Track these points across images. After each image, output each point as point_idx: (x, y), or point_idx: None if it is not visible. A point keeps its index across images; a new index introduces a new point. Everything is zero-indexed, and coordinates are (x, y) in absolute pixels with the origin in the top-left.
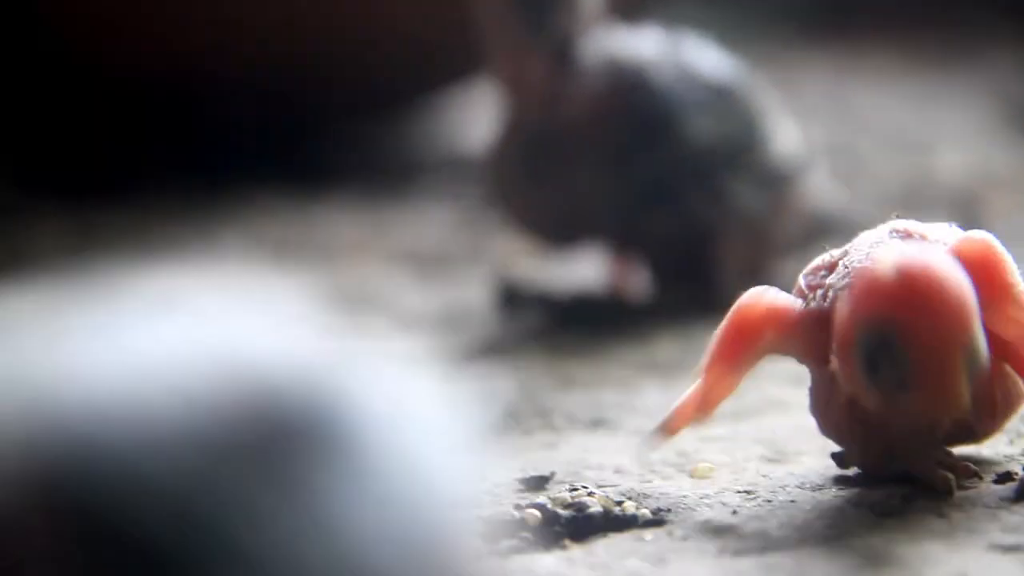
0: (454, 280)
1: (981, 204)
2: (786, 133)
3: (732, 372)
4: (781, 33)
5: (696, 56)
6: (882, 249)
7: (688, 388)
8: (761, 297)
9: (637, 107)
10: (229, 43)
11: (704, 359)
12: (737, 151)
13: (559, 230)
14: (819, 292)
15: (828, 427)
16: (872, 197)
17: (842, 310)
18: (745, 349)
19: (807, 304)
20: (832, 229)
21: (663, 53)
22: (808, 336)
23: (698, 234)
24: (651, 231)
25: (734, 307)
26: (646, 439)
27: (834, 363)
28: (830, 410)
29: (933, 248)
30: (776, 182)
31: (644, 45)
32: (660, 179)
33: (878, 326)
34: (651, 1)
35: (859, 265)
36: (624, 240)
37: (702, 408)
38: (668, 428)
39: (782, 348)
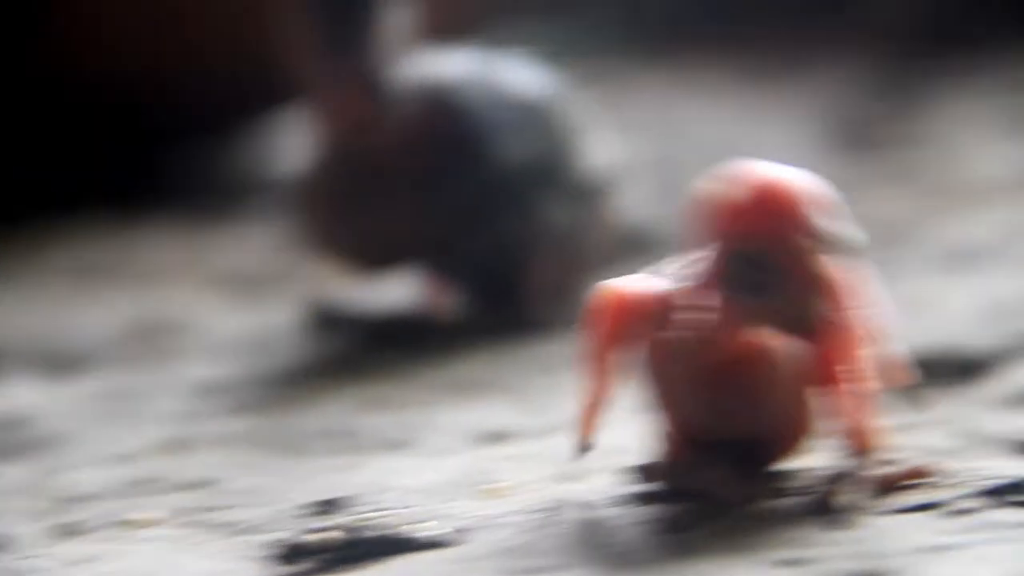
0: (269, 303)
1: None
2: (601, 148)
3: (606, 364)
4: (618, 49)
5: (507, 75)
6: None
7: (578, 398)
8: (614, 287)
9: (446, 131)
10: (49, 62)
11: (581, 363)
12: (548, 169)
13: (374, 256)
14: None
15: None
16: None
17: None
18: (611, 338)
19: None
20: (645, 243)
21: (473, 74)
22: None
23: (509, 253)
24: (463, 252)
25: (589, 305)
26: (573, 456)
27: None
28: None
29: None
30: (586, 198)
31: (453, 67)
32: (471, 201)
33: (741, 244)
34: (480, 19)
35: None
36: (439, 262)
37: (598, 406)
38: (584, 440)
39: (645, 332)
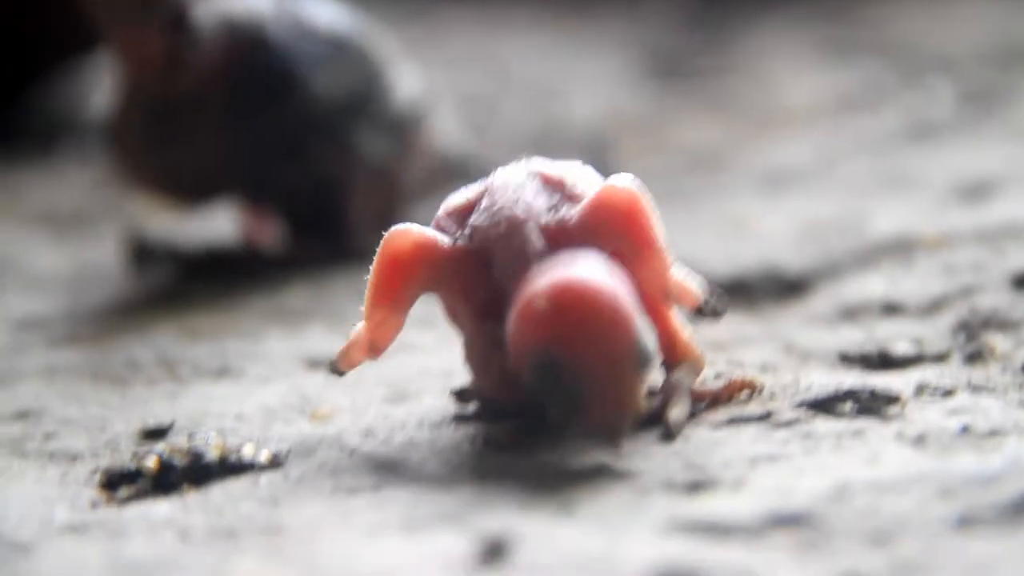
0: (89, 240)
1: (612, 147)
2: (408, 81)
3: (394, 311)
4: None
5: (313, 11)
6: (537, 275)
7: (355, 328)
8: (407, 234)
9: (255, 65)
10: None
11: (365, 302)
12: (358, 102)
13: (188, 191)
14: (463, 231)
15: (475, 367)
16: (507, 142)
17: (512, 333)
18: (401, 287)
19: (454, 242)
20: (460, 172)
21: (279, 11)
22: (459, 274)
23: (327, 185)
24: (280, 185)
25: (382, 246)
26: (333, 362)
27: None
28: (475, 351)
29: (584, 262)
30: (399, 129)
31: (259, 3)
32: (283, 134)
33: (544, 356)
34: None
35: (522, 282)
36: (256, 194)
37: (372, 349)
38: (339, 366)
39: (433, 285)
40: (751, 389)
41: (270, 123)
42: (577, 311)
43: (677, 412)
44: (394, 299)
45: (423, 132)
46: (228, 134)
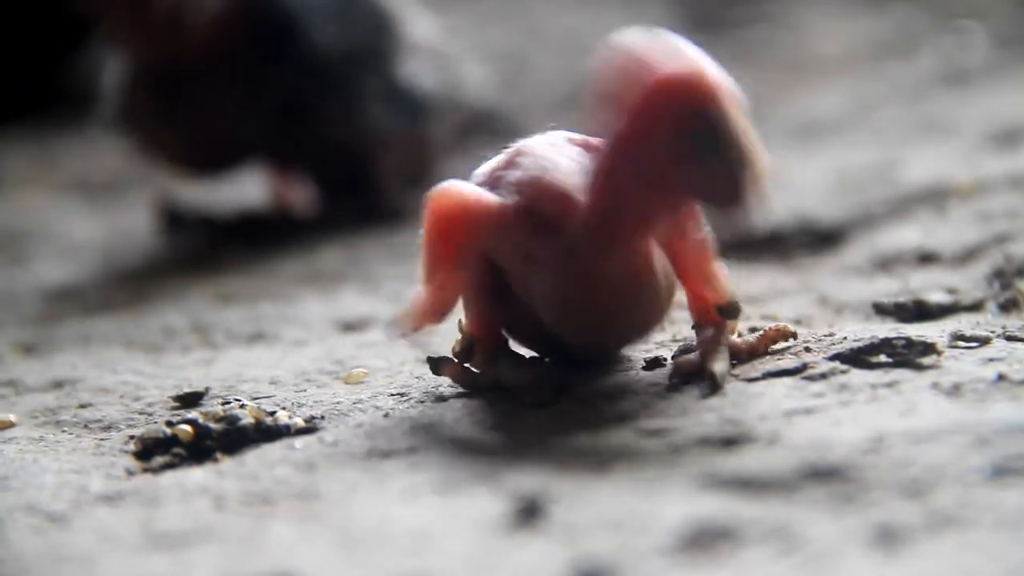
0: (122, 207)
1: None
2: (424, 30)
3: (454, 271)
4: None
5: None
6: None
7: (416, 294)
8: (454, 195)
9: (259, 20)
10: None
11: (422, 266)
12: (370, 56)
13: (207, 161)
14: (504, 189)
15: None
16: (539, 98)
17: (653, 120)
18: (458, 246)
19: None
20: (487, 125)
21: None
22: (512, 229)
23: (351, 145)
24: (300, 147)
25: (429, 208)
26: (392, 329)
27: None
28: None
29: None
30: (419, 88)
31: None
32: (291, 92)
33: (701, 119)
34: None
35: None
36: (280, 157)
37: (435, 314)
38: (400, 333)
39: (488, 241)
40: (786, 337)
41: (278, 80)
42: (712, 81)
43: (720, 365)
44: (453, 259)
45: (451, 92)
46: (237, 95)
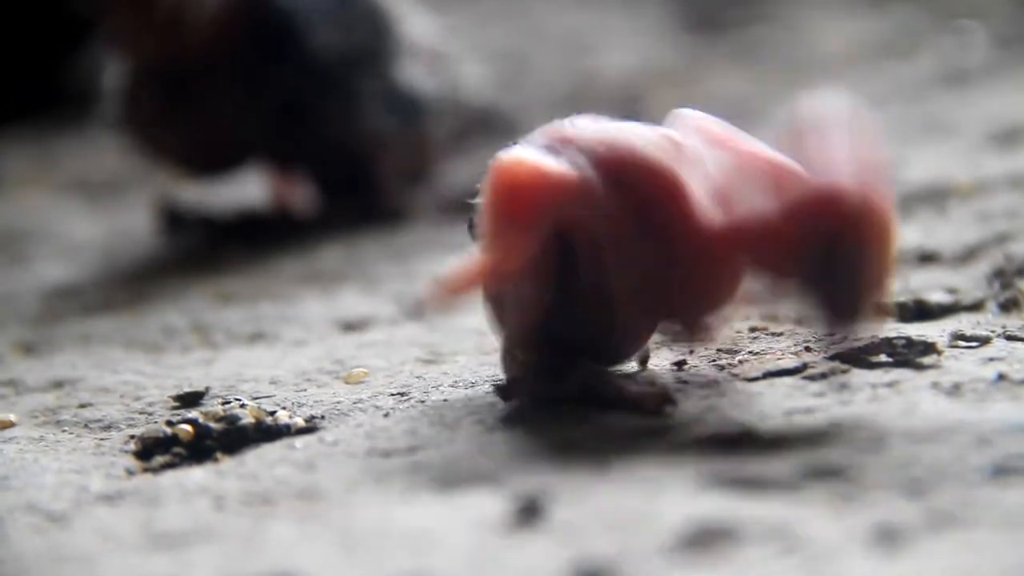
0: (122, 207)
1: (644, 101)
2: (422, 30)
3: (523, 237)
4: None
5: None
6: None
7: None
8: (526, 159)
9: (259, 20)
10: None
11: (484, 230)
12: (369, 57)
13: (208, 160)
14: (570, 154)
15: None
16: (540, 98)
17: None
18: (530, 212)
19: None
20: (487, 124)
21: None
22: (596, 201)
23: (350, 145)
24: (302, 147)
25: (496, 175)
26: (424, 295)
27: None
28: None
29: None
30: (420, 87)
31: None
32: (294, 92)
33: (831, 242)
34: None
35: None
36: (280, 158)
37: (495, 275)
38: (449, 289)
39: (565, 212)
40: None
41: (277, 81)
42: (861, 206)
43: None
44: (525, 224)
45: (450, 91)
46: (238, 96)
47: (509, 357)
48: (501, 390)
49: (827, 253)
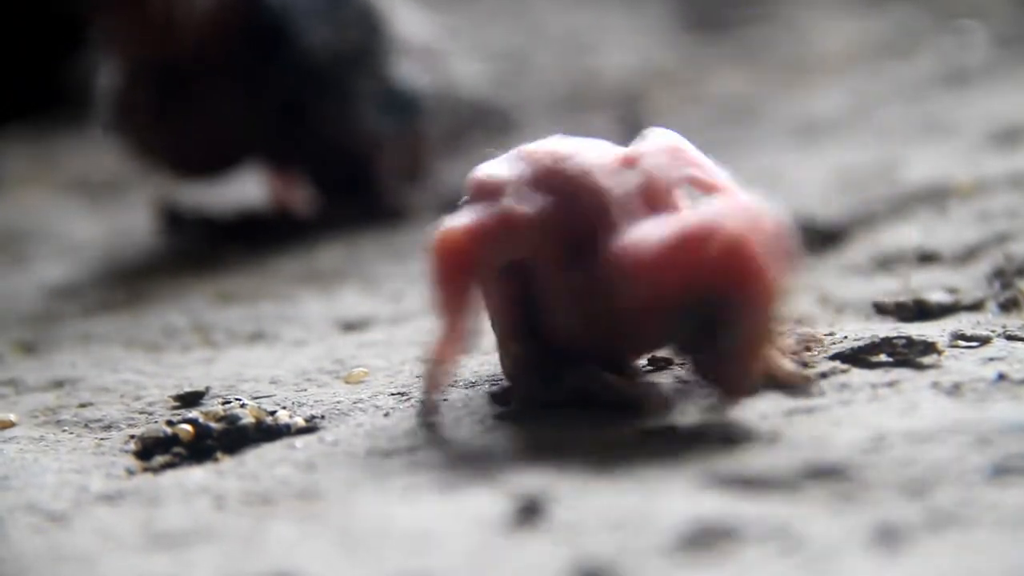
0: (122, 207)
1: (644, 101)
2: (416, 28)
3: (462, 305)
4: None
5: None
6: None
7: (436, 336)
8: (454, 228)
9: (253, 23)
10: None
11: (436, 309)
12: (364, 56)
13: (205, 161)
14: (510, 194)
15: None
16: (539, 98)
17: (651, 277)
18: (463, 281)
19: (508, 203)
20: (484, 121)
21: None
22: (535, 235)
23: (349, 145)
24: (300, 147)
25: (434, 249)
26: (424, 402)
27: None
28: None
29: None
30: (416, 85)
31: None
32: (291, 93)
33: (701, 300)
34: None
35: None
36: (278, 158)
37: (458, 346)
38: (437, 367)
39: (503, 256)
40: (816, 343)
41: (271, 80)
42: (742, 257)
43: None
44: (462, 297)
45: (447, 89)
46: (234, 96)
47: (503, 351)
48: (496, 396)
49: (704, 305)
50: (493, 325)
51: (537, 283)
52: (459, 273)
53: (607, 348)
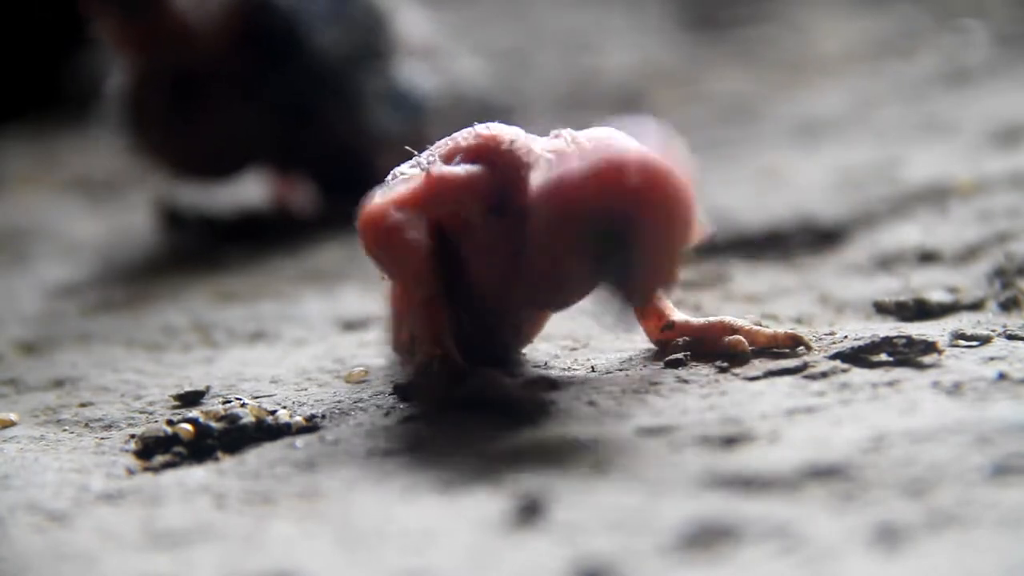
0: (122, 206)
1: (644, 100)
2: (418, 27)
3: (410, 260)
4: None
5: None
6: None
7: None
8: (377, 208)
9: (261, 27)
10: None
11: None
12: (369, 58)
13: (215, 164)
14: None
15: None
16: (541, 96)
17: (566, 202)
18: (399, 240)
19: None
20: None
21: None
22: (463, 194)
23: (354, 146)
24: (307, 149)
25: (365, 238)
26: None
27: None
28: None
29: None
30: (420, 86)
31: None
32: (299, 95)
33: (607, 221)
34: None
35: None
36: (284, 160)
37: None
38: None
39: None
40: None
41: (282, 85)
42: (649, 180)
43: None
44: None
45: (447, 88)
46: (245, 102)
47: (407, 354)
48: (400, 390)
49: (612, 222)
50: (397, 317)
51: (461, 246)
52: (394, 234)
53: (526, 300)
